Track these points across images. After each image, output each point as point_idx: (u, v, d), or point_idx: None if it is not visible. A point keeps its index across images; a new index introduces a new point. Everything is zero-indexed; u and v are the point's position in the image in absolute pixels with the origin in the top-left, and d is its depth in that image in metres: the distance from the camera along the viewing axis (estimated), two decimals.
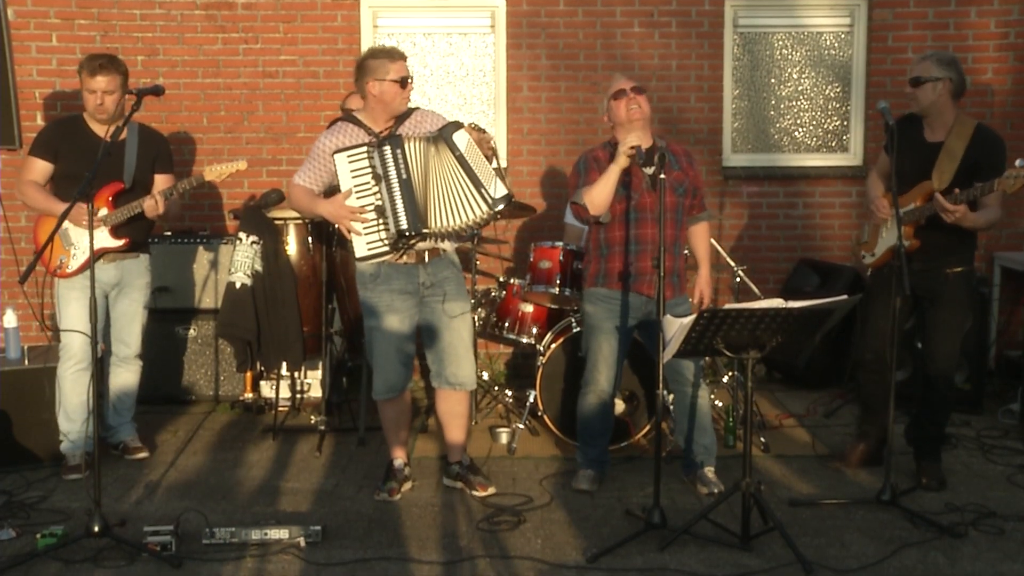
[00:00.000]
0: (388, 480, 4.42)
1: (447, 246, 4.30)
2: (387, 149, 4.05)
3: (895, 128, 4.15)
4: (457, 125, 4.09)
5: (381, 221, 4.07)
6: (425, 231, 4.07)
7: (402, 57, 4.21)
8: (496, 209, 4.07)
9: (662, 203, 3.93)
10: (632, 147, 4.09)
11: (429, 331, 4.34)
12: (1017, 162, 4.00)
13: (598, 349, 4.43)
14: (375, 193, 4.07)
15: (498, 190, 4.06)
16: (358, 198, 4.08)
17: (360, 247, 4.11)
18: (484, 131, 4.13)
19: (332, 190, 4.21)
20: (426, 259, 4.23)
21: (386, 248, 4.10)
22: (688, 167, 4.46)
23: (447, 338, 4.32)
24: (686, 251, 4.64)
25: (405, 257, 4.20)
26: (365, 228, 4.08)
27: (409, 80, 4.19)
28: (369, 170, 4.06)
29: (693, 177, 4.47)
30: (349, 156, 4.08)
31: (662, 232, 3.90)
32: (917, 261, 4.36)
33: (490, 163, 4.11)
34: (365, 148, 4.08)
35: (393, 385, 4.32)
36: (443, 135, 4.06)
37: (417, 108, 4.34)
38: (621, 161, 4.18)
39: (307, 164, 4.26)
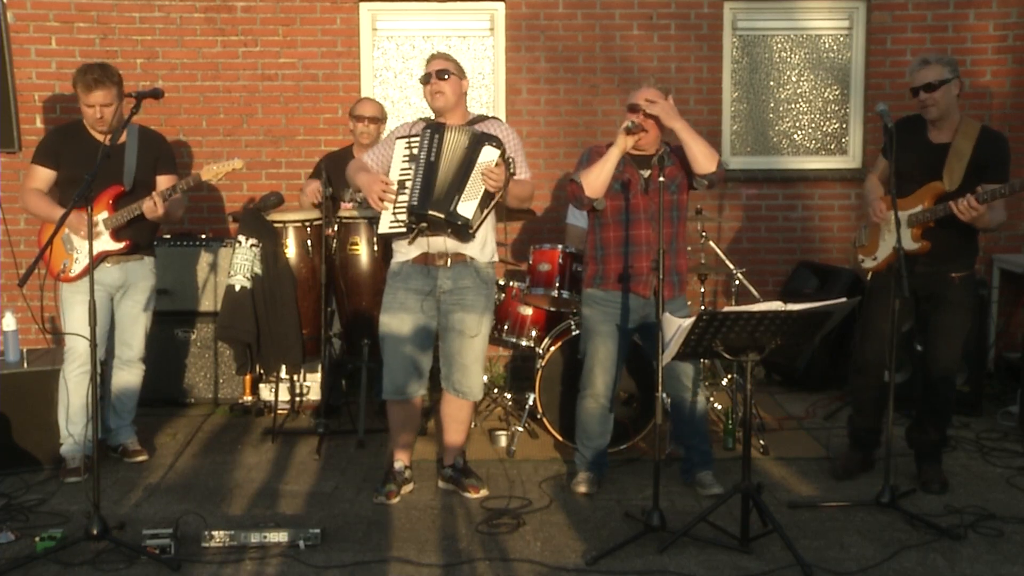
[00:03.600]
0: (387, 483, 4.41)
1: (475, 254, 4.31)
2: (428, 132, 4.17)
3: (894, 130, 4.19)
4: (497, 143, 4.15)
5: (402, 199, 4.15)
6: (432, 213, 4.09)
7: (434, 56, 4.34)
8: (447, 219, 4.10)
9: (661, 205, 3.94)
10: (629, 126, 4.14)
11: (443, 335, 4.39)
12: None
13: (595, 353, 4.44)
14: (409, 174, 4.18)
15: (463, 209, 4.10)
16: (399, 179, 4.19)
17: (384, 223, 4.22)
18: (511, 174, 4.16)
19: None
20: (448, 263, 4.26)
21: (403, 229, 4.17)
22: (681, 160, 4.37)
23: (457, 347, 4.35)
24: (691, 247, 4.61)
25: (427, 257, 4.24)
26: (393, 207, 4.18)
27: (433, 76, 4.24)
28: (411, 154, 4.19)
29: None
30: (407, 142, 4.23)
31: (660, 235, 3.91)
32: (922, 264, 4.35)
33: (488, 197, 4.15)
34: (419, 136, 4.21)
35: (399, 387, 4.33)
36: (479, 139, 4.15)
37: (494, 118, 4.46)
38: (620, 143, 4.21)
39: (376, 148, 4.48)
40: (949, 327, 4.41)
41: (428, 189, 4.10)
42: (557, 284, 5.11)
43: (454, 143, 4.15)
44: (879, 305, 4.43)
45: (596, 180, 4.25)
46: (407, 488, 4.45)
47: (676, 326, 3.64)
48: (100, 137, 4.62)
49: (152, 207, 4.57)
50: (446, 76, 4.23)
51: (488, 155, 4.12)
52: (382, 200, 4.17)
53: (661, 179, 3.93)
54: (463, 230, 4.16)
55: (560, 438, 4.98)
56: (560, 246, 5.20)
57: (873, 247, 4.60)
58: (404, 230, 4.18)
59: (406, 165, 4.20)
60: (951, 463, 4.80)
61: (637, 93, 4.35)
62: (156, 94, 4.13)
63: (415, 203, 4.11)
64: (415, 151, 4.18)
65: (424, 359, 4.35)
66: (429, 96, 4.28)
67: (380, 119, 5.65)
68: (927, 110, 4.34)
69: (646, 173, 4.29)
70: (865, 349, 4.61)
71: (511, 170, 4.14)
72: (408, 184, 4.16)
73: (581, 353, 4.58)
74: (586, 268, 4.53)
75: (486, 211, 4.20)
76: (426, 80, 4.27)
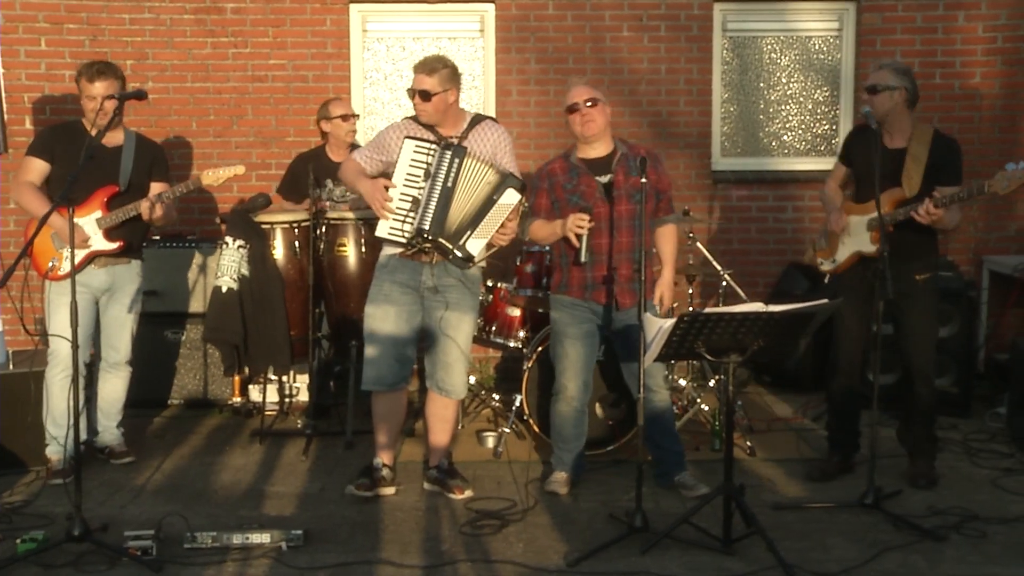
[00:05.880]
0: (361, 476, 4.43)
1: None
2: (448, 154, 4.16)
3: (879, 131, 4.23)
4: (520, 186, 4.19)
5: (411, 214, 4.17)
6: (440, 240, 4.16)
7: (419, 69, 4.26)
8: (458, 255, 4.19)
9: (643, 210, 3.96)
10: (578, 228, 4.21)
11: (427, 333, 4.41)
12: (1008, 165, 4.04)
13: (564, 356, 4.44)
14: (420, 187, 4.17)
15: (472, 246, 4.19)
16: (405, 185, 4.19)
17: (383, 228, 4.24)
18: (520, 219, 4.28)
19: (386, 176, 4.34)
20: (434, 260, 4.28)
21: (403, 239, 4.20)
22: (650, 170, 4.24)
23: (440, 345, 4.37)
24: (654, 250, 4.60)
25: (415, 254, 4.28)
26: (402, 218, 4.19)
27: (418, 93, 4.21)
28: (425, 165, 4.18)
29: (656, 180, 4.36)
30: (417, 146, 4.22)
31: (643, 239, 3.93)
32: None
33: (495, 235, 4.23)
34: (435, 145, 4.20)
35: (381, 377, 4.34)
36: (504, 178, 4.18)
37: (489, 118, 4.48)
38: (561, 231, 4.31)
39: (370, 145, 4.45)
40: (920, 331, 4.46)
41: (442, 216, 4.14)
42: (545, 285, 5.11)
43: (475, 173, 4.16)
44: (847, 308, 4.47)
45: (540, 240, 4.52)
46: (386, 489, 4.43)
47: (657, 327, 3.64)
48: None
49: (149, 208, 4.59)
50: (428, 98, 4.21)
51: (510, 198, 4.16)
52: (385, 208, 4.18)
53: (608, 177, 3.97)
54: (462, 263, 4.24)
55: (547, 439, 4.96)
56: (548, 247, 5.19)
57: (832, 250, 4.66)
58: (403, 241, 4.20)
59: (417, 175, 4.18)
60: (939, 464, 4.77)
61: (571, 94, 4.37)
62: (139, 95, 4.16)
63: (425, 227, 4.14)
64: (431, 168, 4.16)
65: (407, 351, 4.37)
66: (419, 108, 4.27)
67: (356, 114, 5.77)
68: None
69: (604, 179, 4.26)
70: (839, 353, 4.66)
71: (526, 214, 4.24)
72: (421, 201, 4.16)
73: (552, 357, 4.58)
74: (553, 273, 4.57)
75: (490, 252, 4.32)
76: (411, 96, 4.27)
